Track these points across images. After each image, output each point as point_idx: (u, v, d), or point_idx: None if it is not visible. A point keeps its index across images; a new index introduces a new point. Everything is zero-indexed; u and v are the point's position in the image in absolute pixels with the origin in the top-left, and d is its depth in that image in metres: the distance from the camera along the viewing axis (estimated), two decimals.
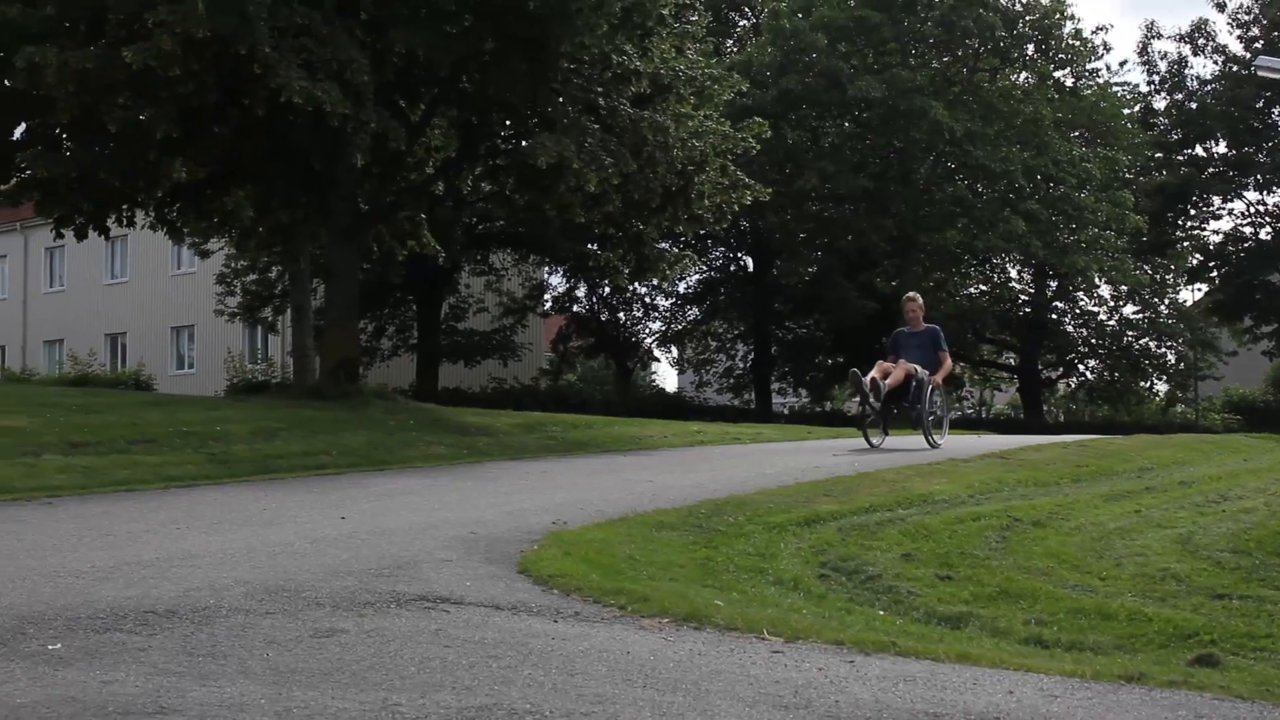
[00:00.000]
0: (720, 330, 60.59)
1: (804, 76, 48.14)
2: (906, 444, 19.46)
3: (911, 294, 21.23)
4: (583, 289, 56.69)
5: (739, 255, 57.14)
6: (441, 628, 6.38)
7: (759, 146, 29.10)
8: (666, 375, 79.86)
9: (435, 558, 8.51)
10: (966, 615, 8.09)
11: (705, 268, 55.77)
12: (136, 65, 20.08)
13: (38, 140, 24.17)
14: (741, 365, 59.99)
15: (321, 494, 13.10)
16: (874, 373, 19.06)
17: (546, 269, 55.80)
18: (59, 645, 5.78)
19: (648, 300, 58.97)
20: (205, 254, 41.57)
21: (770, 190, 29.69)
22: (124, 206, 25.95)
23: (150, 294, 59.86)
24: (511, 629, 6.44)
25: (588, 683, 5.37)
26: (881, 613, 8.07)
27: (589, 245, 42.29)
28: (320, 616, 6.56)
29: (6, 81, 22.35)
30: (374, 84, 22.06)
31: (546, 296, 57.52)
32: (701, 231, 40.16)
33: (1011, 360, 62.48)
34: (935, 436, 19.52)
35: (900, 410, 19.99)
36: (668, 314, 60.28)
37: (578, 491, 13.22)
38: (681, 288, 57.12)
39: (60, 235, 26.64)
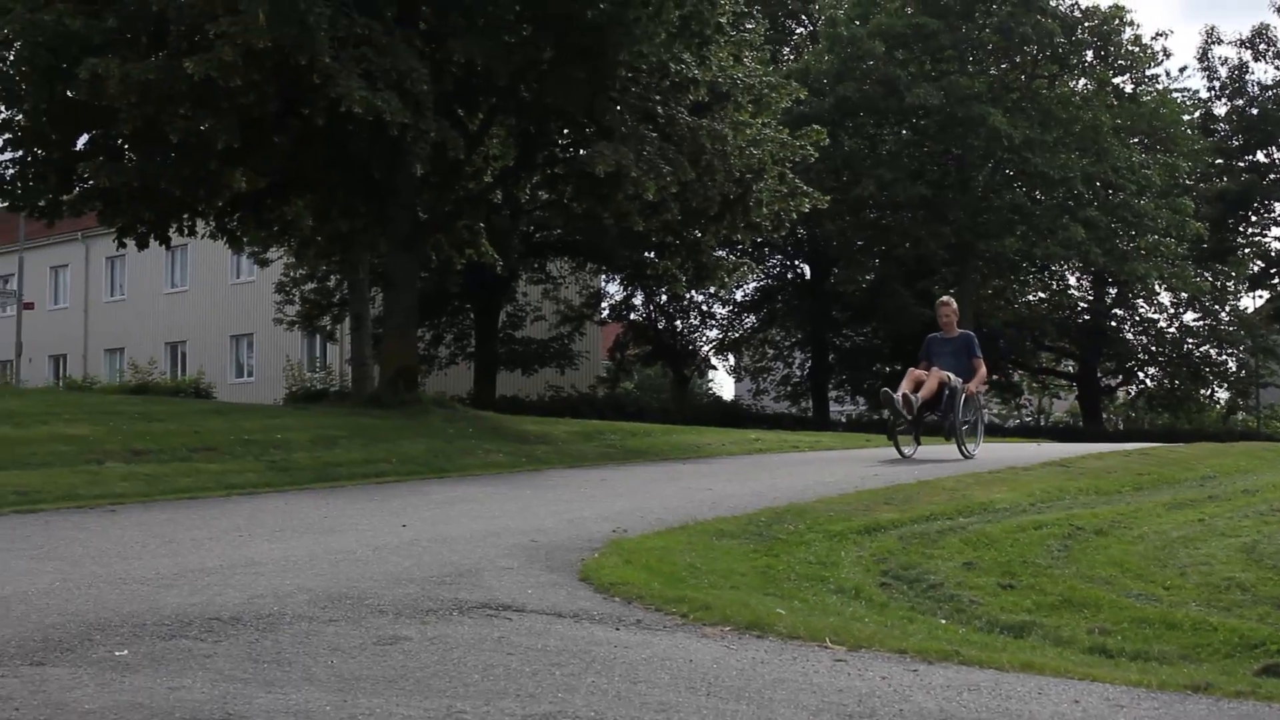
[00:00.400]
0: (777, 338, 60.56)
1: (861, 84, 48.08)
2: (940, 453, 18.99)
3: (945, 298, 20.54)
4: (640, 297, 56.73)
5: (796, 263, 57.10)
6: (504, 635, 6.38)
7: (817, 154, 29.07)
8: (723, 383, 79.91)
9: (496, 565, 8.52)
10: (1029, 624, 8.04)
11: (762, 275, 55.80)
12: (198, 76, 20.22)
13: (100, 151, 24.35)
14: (799, 373, 59.93)
15: (382, 501, 13.15)
16: (905, 386, 18.56)
17: (603, 277, 55.87)
18: (126, 651, 5.80)
19: (705, 308, 59.04)
20: (264, 263, 41.82)
21: (828, 198, 29.66)
22: (185, 216, 26.14)
23: (210, 303, 60.22)
24: (574, 636, 6.44)
25: (651, 691, 5.36)
26: (943, 621, 8.04)
27: (646, 253, 42.31)
28: (383, 624, 6.57)
29: (70, 93, 22.53)
30: (433, 93, 22.12)
31: (603, 304, 57.56)
32: (759, 239, 40.15)
33: (1070, 368, 62.24)
34: (969, 446, 19.03)
35: (933, 419, 19.27)
36: (725, 322, 60.33)
37: (637, 499, 13.22)
38: (739, 295, 57.18)
39: (122, 245, 26.83)
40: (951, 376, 18.70)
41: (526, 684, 5.39)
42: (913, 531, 10.90)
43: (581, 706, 5.03)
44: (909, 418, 18.58)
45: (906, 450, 19.09)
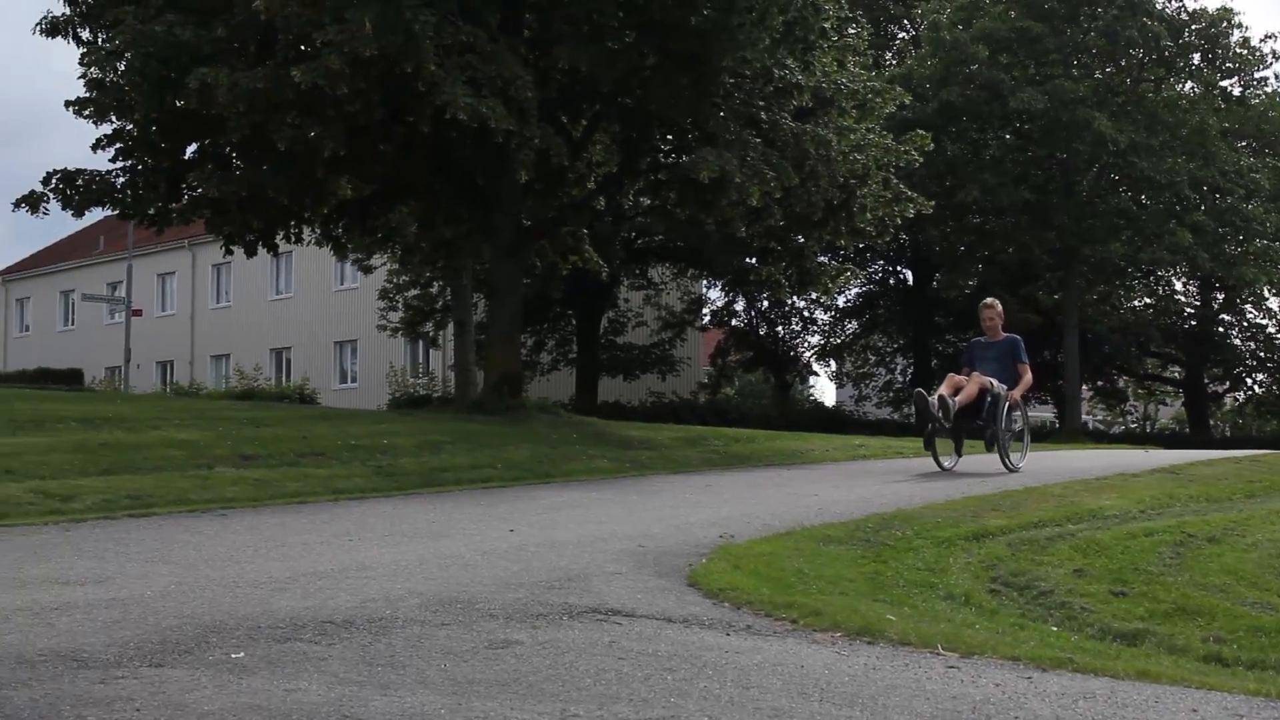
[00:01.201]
0: (879, 344, 60.35)
1: (965, 88, 47.82)
2: (984, 465, 17.75)
3: (988, 300, 19.06)
4: (741, 303, 56.68)
5: (899, 269, 56.87)
6: (615, 640, 6.39)
7: (921, 159, 28.96)
8: (825, 389, 79.65)
9: (605, 570, 8.53)
10: (1142, 632, 7.97)
11: (864, 281, 55.59)
12: (305, 84, 20.41)
13: (208, 159, 24.62)
14: (901, 379, 59.66)
15: (489, 506, 13.20)
16: (942, 388, 17.20)
17: (705, 283, 55.87)
18: (242, 654, 5.86)
19: (806, 314, 58.89)
20: (368, 270, 42.15)
21: (932, 203, 29.53)
22: (291, 223, 26.42)
23: (314, 309, 60.73)
24: (684, 642, 6.44)
25: (764, 696, 5.35)
26: (1055, 629, 7.97)
27: (748, 259, 42.26)
28: (494, 628, 6.60)
29: (179, 102, 22.79)
30: (537, 100, 22.20)
31: (705, 310, 57.56)
32: (861, 245, 40.01)
33: (1177, 374, 61.57)
34: (1013, 458, 17.59)
35: (974, 429, 17.81)
36: (826, 327, 60.14)
37: (743, 505, 13.20)
38: (841, 301, 57.05)
39: (229, 252, 27.14)
40: (994, 382, 17.38)
41: (639, 689, 5.39)
42: (1021, 538, 10.83)
43: (695, 712, 5.03)
44: (945, 424, 17.07)
45: (946, 462, 17.75)
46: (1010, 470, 17.11)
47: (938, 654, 6.38)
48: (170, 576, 8.12)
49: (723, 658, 6.07)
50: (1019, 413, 18.15)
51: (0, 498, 12.14)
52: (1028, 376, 18.09)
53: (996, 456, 17.57)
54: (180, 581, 7.90)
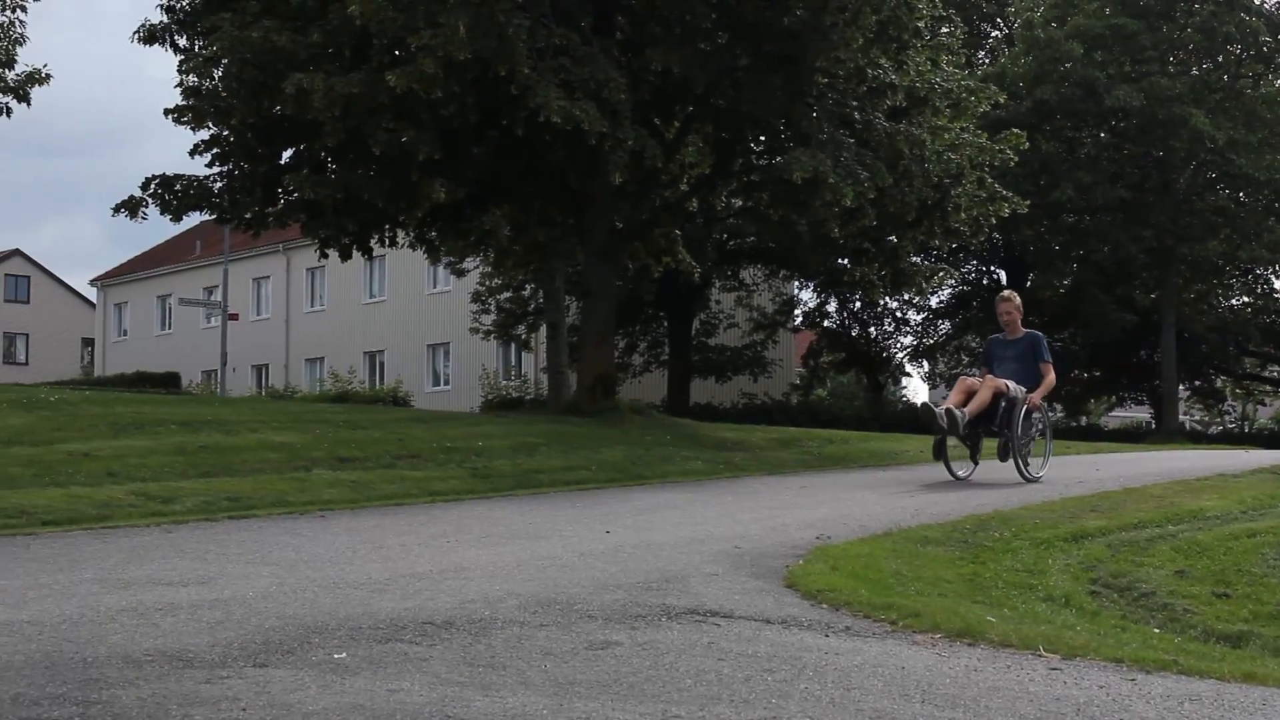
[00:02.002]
0: (973, 344, 59.93)
1: (1059, 86, 47.45)
2: (1001, 475, 16.10)
3: (1005, 293, 17.50)
4: (833, 304, 56.50)
5: (992, 268, 56.50)
6: (714, 641, 6.39)
7: (1016, 159, 28.77)
8: (918, 390, 79.22)
9: (702, 571, 8.53)
10: (1247, 634, 7.89)
11: (958, 281, 55.29)
12: (400, 88, 20.54)
13: (304, 164, 24.80)
14: None
15: (584, 508, 13.23)
16: (953, 397, 16.05)
17: (797, 284, 55.71)
18: (344, 655, 5.90)
19: (899, 315, 58.63)
20: (461, 273, 42.35)
21: (1027, 202, 29.34)
22: (386, 227, 26.57)
23: (407, 312, 61.07)
24: (783, 643, 6.43)
25: (865, 697, 5.34)
26: (1157, 630, 7.90)
27: (840, 260, 42.12)
28: (593, 629, 6.61)
29: (275, 107, 23.00)
30: (630, 102, 22.22)
31: (797, 312, 57.40)
32: (954, 245, 39.83)
33: (1276, 373, 60.84)
34: (1031, 467, 16.08)
35: (991, 434, 16.45)
36: (919, 328, 59.85)
37: (838, 506, 13.17)
38: (933, 302, 56.74)
39: (324, 255, 27.34)
40: (1011, 385, 16.00)
41: (740, 690, 5.39)
42: (1121, 539, 10.75)
43: (796, 713, 5.02)
44: (958, 435, 15.95)
45: (960, 472, 16.27)
46: (1028, 480, 15.68)
47: (1039, 656, 6.34)
48: (271, 577, 8.19)
49: (823, 659, 6.06)
50: (1039, 416, 16.70)
51: (103, 500, 12.29)
52: (1050, 377, 16.53)
53: (1011, 465, 16.02)
54: (281, 582, 7.97)
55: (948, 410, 15.63)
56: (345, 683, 5.34)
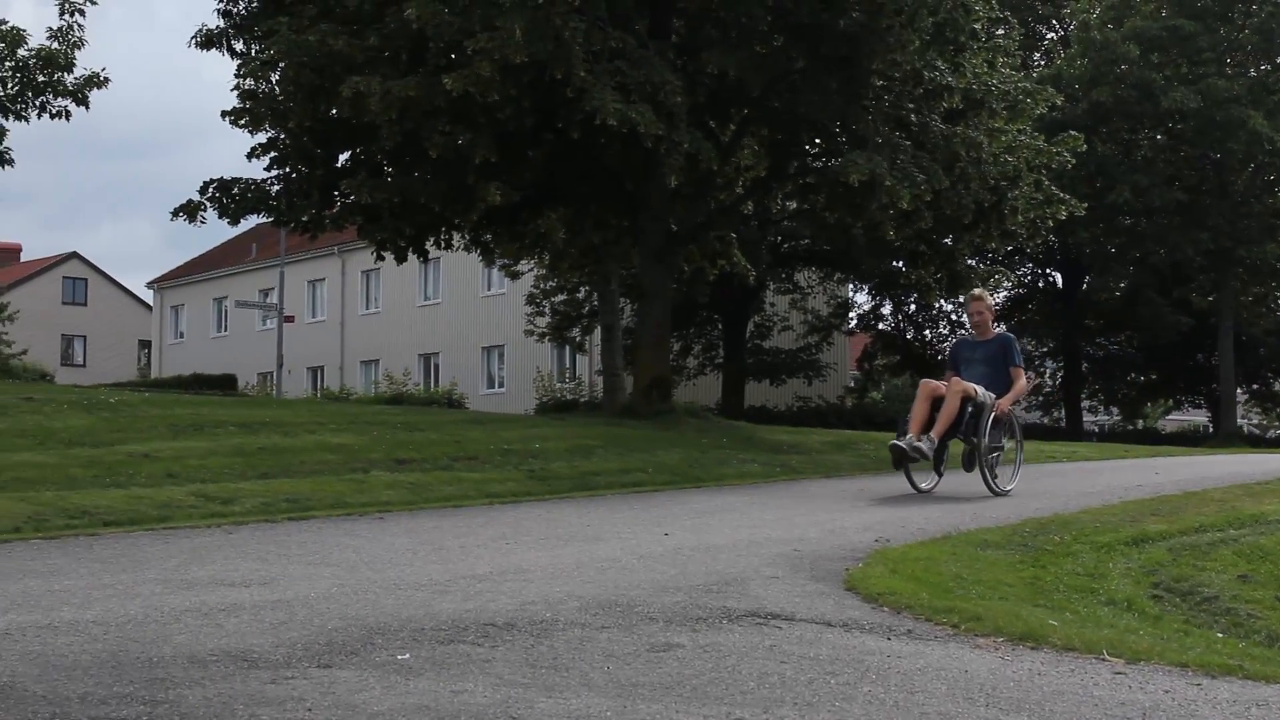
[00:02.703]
0: (1029, 347, 59.72)
1: (1115, 88, 47.24)
2: (965, 488, 15.07)
3: (976, 291, 16.55)
4: (888, 306, 56.32)
5: (1048, 271, 56.26)
6: (775, 644, 6.38)
7: (1074, 161, 28.65)
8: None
9: (761, 574, 8.53)
10: None
11: (1012, 284, 55.10)
12: (456, 92, 20.60)
13: (361, 167, 24.91)
14: (1050, 383, 59.02)
15: (642, 510, 13.24)
16: (917, 406, 14.89)
17: (851, 286, 55.57)
18: (407, 655, 5.92)
19: (954, 317, 58.41)
20: (515, 275, 42.40)
21: (1085, 205, 29.21)
22: (442, 230, 26.65)
23: (462, 315, 61.22)
24: (845, 646, 6.42)
25: (929, 701, 5.33)
26: (1220, 635, 7.86)
27: (895, 262, 42.01)
28: (654, 631, 6.61)
29: (332, 110, 23.11)
30: (686, 105, 22.23)
31: (851, 314, 57.25)
32: (1010, 248, 39.71)
33: None
34: (1000, 479, 14.97)
35: (960, 442, 15.31)
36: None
37: (896, 509, 13.15)
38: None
39: (380, 258, 27.44)
40: (979, 390, 14.92)
41: (803, 692, 5.39)
42: (1182, 543, 10.69)
43: (860, 716, 5.02)
44: (925, 455, 14.55)
45: (923, 484, 15.01)
46: (996, 494, 14.59)
47: (1103, 660, 6.32)
48: (332, 578, 8.23)
49: (885, 662, 6.06)
50: (1010, 426, 15.62)
51: (163, 501, 12.37)
52: (1021, 382, 15.47)
53: (978, 477, 14.92)
54: (342, 583, 8.01)
55: (915, 448, 14.40)
56: (409, 684, 5.36)
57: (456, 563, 9.08)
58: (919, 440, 14.47)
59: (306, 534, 10.89)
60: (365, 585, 7.95)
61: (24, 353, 68.38)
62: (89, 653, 5.84)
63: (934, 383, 15.15)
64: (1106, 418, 60.97)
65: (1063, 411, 57.12)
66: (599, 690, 5.34)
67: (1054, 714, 5.21)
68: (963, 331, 14.70)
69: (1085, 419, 57.49)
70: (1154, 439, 51.50)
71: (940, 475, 15.23)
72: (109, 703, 4.90)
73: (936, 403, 14.80)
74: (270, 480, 14.08)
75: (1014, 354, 15.49)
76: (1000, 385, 15.20)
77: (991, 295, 16.30)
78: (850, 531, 11.03)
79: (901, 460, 14.72)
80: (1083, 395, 56.71)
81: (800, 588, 8.10)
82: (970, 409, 14.81)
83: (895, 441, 14.68)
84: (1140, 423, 61.21)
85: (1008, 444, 15.47)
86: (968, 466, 15.16)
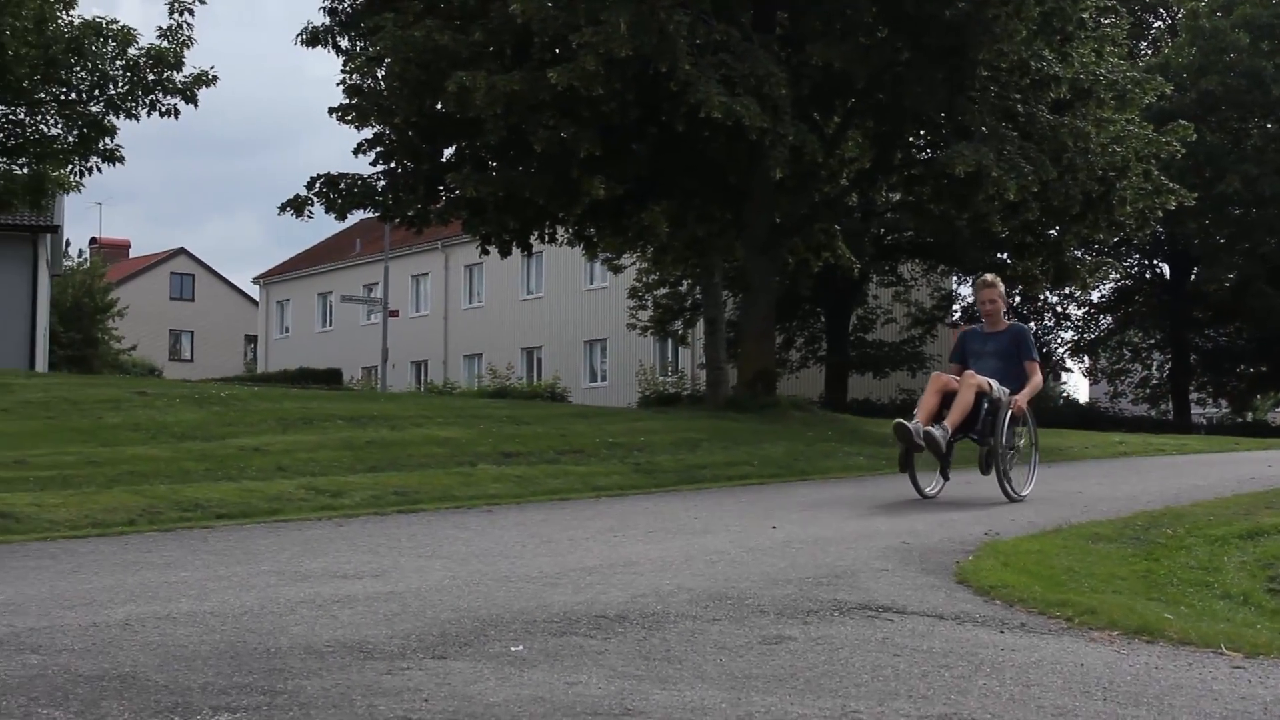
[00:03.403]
0: (1135, 339, 59.12)
1: (1224, 77, 46.65)
2: (975, 492, 13.89)
3: (989, 278, 14.74)
4: None
5: (1155, 262, 55.65)
6: (888, 636, 6.37)
7: (1183, 150, 28.31)
8: (1078, 385, 78.34)
9: (871, 567, 8.50)
10: None
11: (1119, 276, 54.54)
12: (561, 86, 20.69)
13: (466, 162, 25.02)
14: (1158, 375, 58.40)
15: (748, 503, 13.24)
16: (926, 399, 13.50)
17: (955, 278, 55.28)
18: (520, 647, 5.94)
19: (1059, 309, 57.98)
20: (617, 269, 42.43)
21: (1194, 195, 28.86)
22: (546, 224, 26.73)
23: (564, 309, 61.37)
24: (958, 639, 6.39)
25: (1045, 694, 5.29)
26: None
27: (999, 254, 41.72)
28: (766, 623, 6.61)
29: (438, 105, 23.25)
30: (790, 97, 22.19)
31: (955, 306, 56.91)
32: (1117, 239, 39.31)
33: None
34: (1015, 483, 13.54)
35: (972, 442, 13.91)
36: (1080, 323, 59.09)
37: (1005, 502, 13.05)
38: (1094, 296, 55.94)
39: (485, 252, 27.56)
40: (994, 384, 13.48)
41: (917, 685, 5.37)
42: None
43: (976, 709, 4.99)
44: (940, 455, 13.27)
45: (929, 488, 13.62)
46: (1013, 499, 13.25)
47: (1221, 654, 6.25)
48: (443, 571, 8.29)
49: (999, 655, 6.02)
50: (1027, 425, 14.10)
51: (274, 494, 12.51)
52: (1037, 378, 14.00)
53: (994, 480, 13.49)
54: (454, 576, 8.07)
55: (926, 432, 12.94)
56: (523, 675, 5.39)
57: (566, 555, 9.12)
58: (932, 426, 13.03)
59: (416, 527, 10.98)
60: (476, 577, 8.00)
61: (133, 348, 69.36)
62: (208, 643, 5.92)
63: (945, 375, 13.75)
64: (1215, 410, 60.21)
65: (1170, 404, 56.48)
66: (712, 682, 5.35)
67: (1173, 708, 5.15)
68: (971, 325, 13.34)
69: (1193, 411, 56.81)
70: (1264, 432, 50.87)
71: (946, 479, 13.68)
72: (229, 693, 4.96)
73: (947, 399, 13.38)
74: (379, 473, 14.20)
75: (1029, 347, 14.05)
76: (1013, 380, 13.74)
77: (1003, 284, 14.62)
78: (959, 524, 10.97)
79: (910, 447, 13.18)
80: (1191, 388, 56.03)
81: (911, 580, 8.07)
82: (986, 404, 13.36)
83: (902, 421, 13.28)
84: (1249, 415, 60.39)
85: (1022, 443, 13.99)
86: (984, 469, 13.49)
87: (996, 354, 13.89)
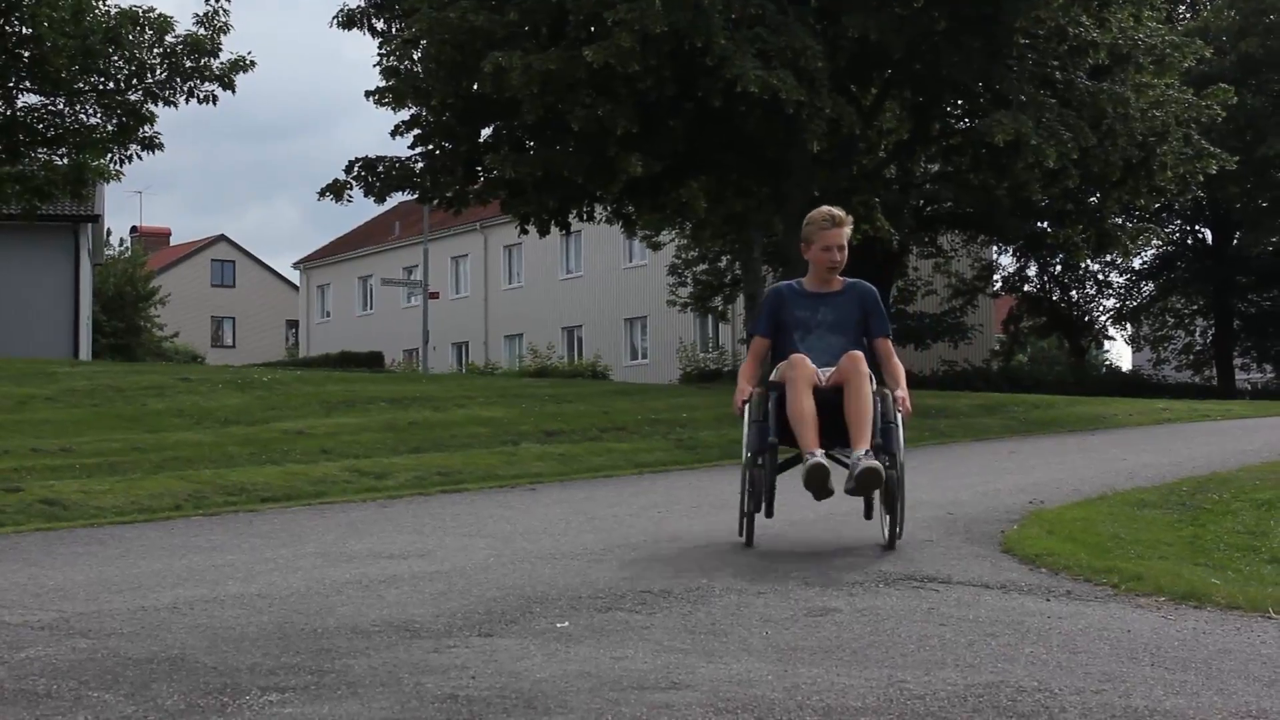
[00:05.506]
0: (1178, 305, 58.74)
1: (1264, 39, 46.30)
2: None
3: (836, 211, 9.32)
4: (1033, 268, 55.69)
5: (1197, 228, 55.29)
6: (933, 606, 6.36)
7: (1223, 114, 28.11)
8: (1120, 353, 78.00)
9: (916, 538, 8.50)
10: None
11: (1160, 242, 54.21)
12: (597, 64, 20.70)
13: (503, 142, 25.05)
14: (1201, 341, 58.04)
15: (791, 478, 13.17)
16: (799, 421, 8.28)
17: (995, 249, 55.02)
18: (566, 623, 5.96)
19: (1100, 277, 57.64)
20: (656, 246, 42.46)
21: (1236, 159, 28.66)
22: (584, 202, 26.74)
23: (604, 287, 61.34)
24: (1004, 607, 6.38)
25: (1092, 660, 5.28)
26: None
27: (1039, 223, 41.51)
28: (811, 595, 6.61)
29: (474, 86, 23.26)
30: (827, 70, 22.13)
31: (996, 277, 56.69)
32: (1157, 205, 39.08)
33: None
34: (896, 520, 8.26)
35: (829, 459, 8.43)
36: (1122, 290, 58.76)
37: (1050, 471, 13.04)
38: (1136, 263, 55.60)
39: (524, 232, 27.60)
40: (871, 375, 8.48)
41: (964, 654, 5.36)
42: None
43: (1024, 677, 4.98)
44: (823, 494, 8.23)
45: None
46: (890, 544, 8.24)
47: (1269, 618, 6.23)
48: (488, 549, 8.32)
49: (1045, 623, 6.01)
50: (899, 435, 8.45)
51: (318, 476, 12.56)
52: (898, 361, 9.09)
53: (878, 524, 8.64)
54: (498, 554, 8.10)
55: (816, 464, 8.08)
56: (570, 650, 5.40)
57: (610, 532, 9.15)
58: (841, 454, 8.52)
59: (460, 506, 11.02)
60: (520, 555, 8.03)
61: (175, 335, 69.59)
62: (255, 625, 5.95)
63: (809, 363, 8.40)
64: (1260, 375, 59.79)
65: (1214, 370, 56.13)
66: (758, 655, 5.35)
67: (1221, 672, 5.13)
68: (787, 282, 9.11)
69: (1237, 377, 56.43)
70: None
71: (773, 509, 8.56)
72: (277, 673, 4.98)
73: (821, 397, 8.34)
74: (422, 454, 14.25)
75: (882, 317, 9.20)
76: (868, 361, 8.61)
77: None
78: (1003, 494, 10.97)
79: (825, 489, 8.10)
80: (1234, 353, 55.66)
81: (956, 550, 8.08)
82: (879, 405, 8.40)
83: (819, 463, 8.10)
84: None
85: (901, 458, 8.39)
86: (863, 488, 8.02)
87: (833, 326, 8.88)
